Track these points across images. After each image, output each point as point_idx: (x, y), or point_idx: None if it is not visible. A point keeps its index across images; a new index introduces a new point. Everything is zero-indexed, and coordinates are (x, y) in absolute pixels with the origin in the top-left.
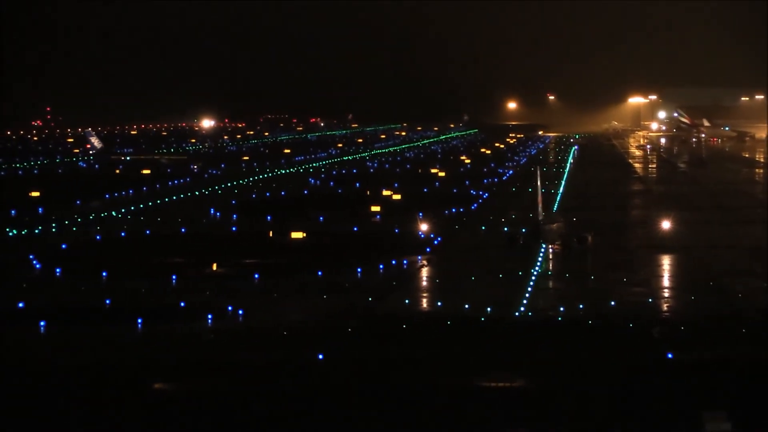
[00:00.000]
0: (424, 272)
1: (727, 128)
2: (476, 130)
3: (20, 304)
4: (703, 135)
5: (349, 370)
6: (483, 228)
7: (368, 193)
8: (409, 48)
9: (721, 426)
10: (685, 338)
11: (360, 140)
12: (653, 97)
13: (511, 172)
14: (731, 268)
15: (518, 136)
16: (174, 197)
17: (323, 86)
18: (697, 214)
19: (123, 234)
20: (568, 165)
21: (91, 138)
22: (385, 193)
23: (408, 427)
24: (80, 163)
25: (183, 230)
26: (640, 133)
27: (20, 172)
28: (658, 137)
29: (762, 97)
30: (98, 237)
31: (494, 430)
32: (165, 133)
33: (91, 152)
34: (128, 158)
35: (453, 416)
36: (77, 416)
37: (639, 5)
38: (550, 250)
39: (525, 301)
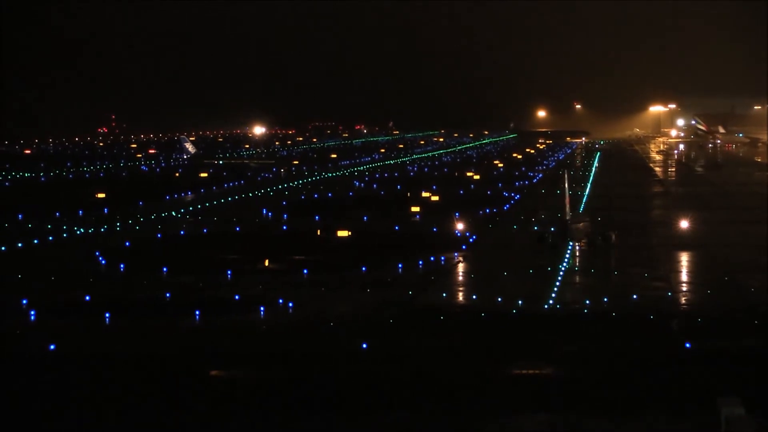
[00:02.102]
0: (460, 268)
1: (741, 135)
2: (514, 135)
3: (86, 297)
4: (718, 141)
5: (389, 359)
6: (515, 227)
7: (408, 194)
8: (446, 61)
9: (735, 410)
10: (701, 329)
11: (401, 146)
12: (672, 105)
13: (540, 175)
14: (744, 264)
15: (548, 142)
16: (230, 198)
17: (367, 96)
18: (712, 213)
19: (182, 232)
20: (594, 168)
21: (185, 144)
22: (424, 194)
23: (444, 409)
24: (142, 167)
25: (238, 229)
26: (660, 139)
27: (87, 175)
28: (677, 143)
29: None
30: (159, 235)
31: (523, 414)
32: (221, 139)
33: (185, 156)
34: (221, 162)
35: (484, 400)
36: (138, 399)
37: (660, 22)
38: (577, 248)
39: (554, 295)
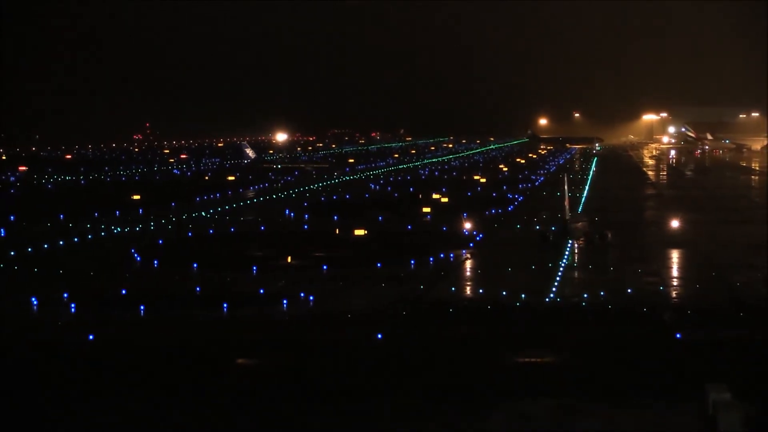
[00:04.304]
0: (468, 264)
1: (727, 141)
2: (526, 140)
3: (123, 291)
4: (707, 147)
5: (403, 349)
6: (518, 226)
7: (420, 196)
8: (455, 72)
9: (722, 396)
10: (691, 321)
11: (413, 151)
12: (664, 114)
13: (542, 178)
14: (732, 261)
15: (549, 147)
16: (254, 200)
17: (382, 105)
18: (701, 214)
19: (211, 231)
20: (591, 172)
21: (246, 149)
22: (435, 196)
23: (452, 395)
24: (174, 171)
25: (262, 228)
26: (653, 146)
27: (123, 179)
28: (669, 149)
29: (757, 114)
30: (189, 234)
31: (524, 399)
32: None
33: (245, 161)
34: (278, 166)
35: (490, 386)
36: (170, 387)
37: (653, 36)
38: (576, 246)
39: (554, 289)
